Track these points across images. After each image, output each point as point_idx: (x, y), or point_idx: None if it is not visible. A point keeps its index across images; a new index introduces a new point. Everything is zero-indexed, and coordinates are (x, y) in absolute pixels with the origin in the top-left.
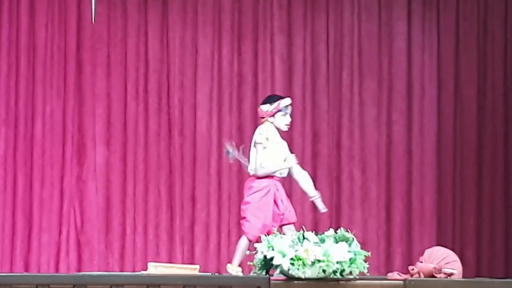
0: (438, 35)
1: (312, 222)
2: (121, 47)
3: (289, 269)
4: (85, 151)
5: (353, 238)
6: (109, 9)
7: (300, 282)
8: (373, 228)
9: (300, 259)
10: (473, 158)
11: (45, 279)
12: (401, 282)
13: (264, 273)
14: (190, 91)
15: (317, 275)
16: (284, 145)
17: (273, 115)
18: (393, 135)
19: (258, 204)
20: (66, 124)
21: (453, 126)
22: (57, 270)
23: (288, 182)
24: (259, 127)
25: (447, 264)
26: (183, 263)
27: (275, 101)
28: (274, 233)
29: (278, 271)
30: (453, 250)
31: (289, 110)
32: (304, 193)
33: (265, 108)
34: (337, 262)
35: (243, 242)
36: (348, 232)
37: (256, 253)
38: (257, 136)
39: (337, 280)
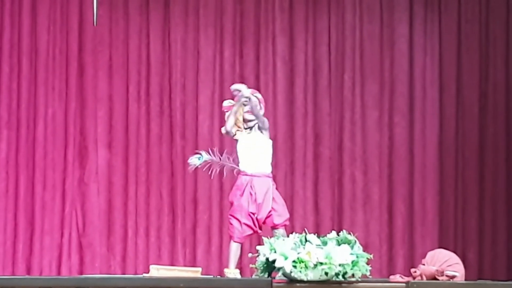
0: (440, 37)
1: (314, 224)
2: (122, 49)
3: (291, 272)
4: (87, 154)
5: (355, 241)
6: (111, 12)
7: (302, 284)
8: (375, 231)
9: (302, 262)
10: (475, 160)
11: (47, 282)
12: (404, 284)
13: (266, 275)
14: (192, 94)
15: (320, 278)
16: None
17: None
18: (395, 137)
19: (236, 205)
20: (68, 127)
21: (455, 128)
22: (59, 272)
23: (290, 183)
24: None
25: (450, 266)
26: (185, 265)
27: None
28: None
29: (280, 273)
30: (455, 252)
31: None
32: (305, 196)
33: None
34: (340, 265)
35: (233, 245)
36: (350, 234)
37: (258, 255)
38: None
39: (340, 282)
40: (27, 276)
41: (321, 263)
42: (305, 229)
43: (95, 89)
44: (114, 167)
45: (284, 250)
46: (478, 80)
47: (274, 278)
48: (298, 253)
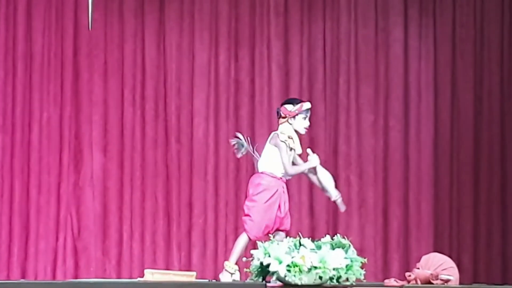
0: (435, 41)
1: (309, 228)
2: (118, 53)
3: (285, 276)
4: (82, 158)
5: (349, 245)
6: (106, 15)
7: None
8: (370, 234)
9: (297, 266)
10: (469, 163)
11: (42, 286)
12: None
13: (260, 279)
14: (187, 98)
15: (314, 282)
16: (299, 147)
17: (294, 117)
18: (390, 141)
19: (265, 205)
20: (63, 131)
21: (450, 132)
22: (54, 277)
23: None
24: (280, 127)
25: (444, 270)
26: (180, 269)
27: (297, 103)
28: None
29: (274, 277)
30: (450, 256)
31: (309, 114)
32: (300, 200)
33: (289, 108)
34: (334, 269)
35: (243, 239)
36: (344, 238)
37: (252, 259)
38: (280, 136)
39: (334, 287)
40: (22, 280)
41: (315, 267)
42: (299, 233)
43: (90, 93)
44: (109, 171)
45: (278, 254)
46: (472, 84)
47: (269, 282)
48: (292, 257)
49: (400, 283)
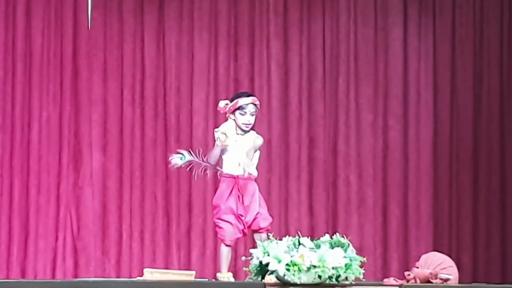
0: (434, 40)
1: (308, 228)
2: (117, 52)
3: (284, 275)
4: (82, 157)
5: (348, 244)
6: (105, 15)
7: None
8: (370, 234)
9: (296, 265)
10: (469, 163)
11: (41, 285)
12: (397, 287)
13: (259, 278)
14: (186, 97)
15: (313, 281)
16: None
17: (232, 113)
18: (389, 141)
19: (224, 208)
20: (62, 130)
21: (449, 131)
22: (53, 276)
23: (284, 186)
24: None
25: (443, 269)
26: (179, 269)
27: (234, 99)
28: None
29: (273, 276)
30: (449, 255)
31: (249, 109)
32: (299, 199)
33: (222, 104)
34: (333, 268)
35: (224, 249)
36: (343, 237)
37: (251, 258)
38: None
39: (333, 285)
40: (21, 280)
41: (315, 266)
42: (299, 232)
43: (89, 92)
44: (109, 170)
45: (278, 253)
46: (472, 84)
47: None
48: (292, 256)
49: (399, 282)
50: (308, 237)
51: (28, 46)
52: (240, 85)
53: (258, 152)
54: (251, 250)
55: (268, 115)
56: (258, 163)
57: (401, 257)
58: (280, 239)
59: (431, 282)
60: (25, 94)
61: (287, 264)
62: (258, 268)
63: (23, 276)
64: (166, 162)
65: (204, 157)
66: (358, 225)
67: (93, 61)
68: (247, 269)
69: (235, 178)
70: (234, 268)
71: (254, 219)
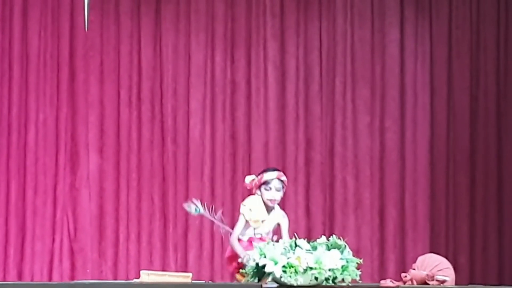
0: (431, 42)
1: (305, 229)
2: (114, 54)
3: (281, 277)
4: (78, 159)
5: (345, 245)
6: (102, 17)
7: None
8: (367, 235)
9: (292, 267)
10: (466, 164)
11: (38, 287)
12: None
13: (256, 280)
14: (183, 99)
15: (309, 283)
16: (255, 221)
17: (258, 188)
18: (386, 142)
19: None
20: (59, 132)
21: (446, 132)
22: (50, 278)
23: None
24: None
25: (440, 271)
26: (176, 271)
27: (259, 174)
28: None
29: (270, 278)
30: (446, 257)
31: (274, 184)
32: (296, 200)
33: (248, 180)
34: (329, 270)
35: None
36: (340, 239)
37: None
38: (241, 207)
39: (330, 287)
40: (18, 282)
41: (311, 268)
42: (295, 234)
43: (86, 94)
44: (106, 172)
45: (274, 255)
46: (469, 85)
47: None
48: (288, 258)
49: (396, 283)
50: (304, 239)
51: (25, 48)
52: (236, 87)
53: (286, 226)
54: (248, 252)
55: (265, 117)
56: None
57: (398, 258)
58: (277, 241)
59: (428, 284)
60: (22, 96)
61: (283, 266)
62: (255, 270)
63: (19, 278)
64: (163, 164)
65: (216, 213)
66: (355, 227)
67: (89, 63)
68: (243, 271)
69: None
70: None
71: None
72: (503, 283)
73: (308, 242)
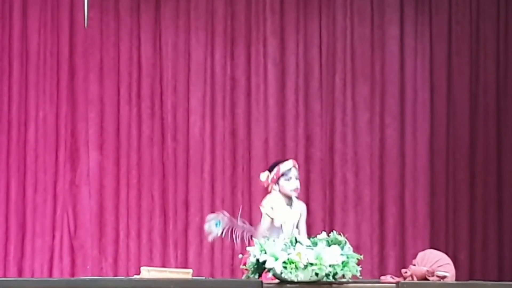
0: (431, 38)
1: (306, 226)
2: (113, 52)
3: (281, 273)
4: (78, 156)
5: (345, 241)
6: (102, 14)
7: (292, 285)
8: (367, 232)
9: (293, 263)
10: (466, 161)
11: (37, 283)
12: (394, 285)
13: (256, 276)
14: (183, 96)
15: (310, 279)
16: (279, 217)
17: (276, 183)
18: (386, 139)
19: None
20: (59, 129)
21: (446, 129)
22: (50, 275)
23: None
24: (266, 197)
25: (440, 267)
26: (176, 267)
27: (274, 168)
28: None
29: (270, 274)
30: (446, 253)
31: (292, 173)
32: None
33: (263, 178)
34: (330, 265)
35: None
36: (340, 235)
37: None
38: (261, 209)
39: (330, 283)
40: (17, 278)
41: (311, 264)
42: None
43: (86, 92)
44: (106, 169)
45: (275, 251)
46: (468, 82)
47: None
48: (289, 254)
49: (396, 279)
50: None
51: (25, 45)
52: (236, 84)
53: (305, 215)
54: (248, 248)
55: (265, 114)
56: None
57: (398, 255)
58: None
59: (428, 280)
60: (22, 93)
61: (284, 262)
62: (255, 266)
63: (20, 275)
64: (163, 161)
65: (235, 219)
66: (355, 223)
67: (89, 60)
68: (244, 267)
69: None
70: (231, 267)
71: None
72: (503, 279)
73: (308, 238)
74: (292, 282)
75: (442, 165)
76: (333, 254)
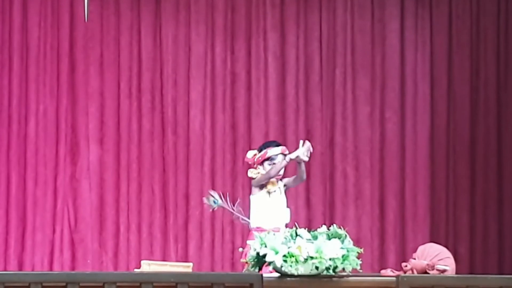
0: (431, 32)
1: (306, 220)
2: (114, 45)
3: (281, 266)
4: (79, 150)
5: (346, 235)
6: (102, 8)
7: (293, 279)
8: (367, 225)
9: (293, 256)
10: (466, 155)
11: (38, 277)
12: (394, 278)
13: (257, 270)
14: (183, 90)
15: (310, 272)
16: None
17: (261, 163)
18: (386, 133)
19: None
20: (59, 123)
21: (446, 123)
22: (51, 268)
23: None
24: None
25: (440, 260)
26: (177, 261)
27: (263, 149)
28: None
29: (270, 267)
30: (446, 246)
31: (278, 159)
32: (297, 191)
33: (250, 155)
34: (330, 259)
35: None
36: (341, 228)
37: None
38: (249, 175)
39: (330, 277)
40: (17, 272)
41: (312, 257)
42: (296, 223)
43: (86, 85)
44: (106, 163)
45: (275, 244)
46: (469, 75)
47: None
48: (289, 248)
49: (397, 273)
50: (305, 229)
51: (25, 39)
52: (237, 78)
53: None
54: (248, 242)
55: (265, 108)
56: None
57: (398, 248)
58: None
59: (428, 273)
60: (22, 88)
61: (284, 255)
62: (255, 260)
63: (20, 269)
64: (163, 155)
65: (234, 205)
66: (355, 217)
67: (89, 54)
68: (244, 260)
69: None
70: (231, 260)
71: None
72: (503, 272)
73: (309, 231)
74: (292, 276)
75: (443, 159)
76: (334, 248)
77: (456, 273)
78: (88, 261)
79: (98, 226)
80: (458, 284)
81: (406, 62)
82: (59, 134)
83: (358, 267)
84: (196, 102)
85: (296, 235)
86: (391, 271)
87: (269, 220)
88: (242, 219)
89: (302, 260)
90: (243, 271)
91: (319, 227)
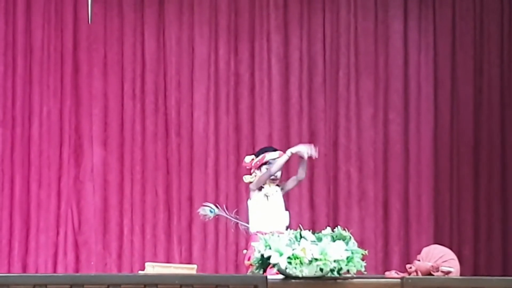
0: (434, 33)
1: (310, 221)
2: (117, 47)
3: (286, 268)
4: (82, 152)
5: (350, 237)
6: (106, 9)
7: (297, 280)
8: (371, 227)
9: (297, 258)
10: (470, 156)
11: (42, 279)
12: (398, 280)
13: (261, 272)
14: (187, 91)
15: (315, 274)
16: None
17: (258, 168)
18: (390, 134)
19: None
20: (63, 125)
21: (450, 124)
22: (55, 271)
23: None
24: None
25: (445, 262)
26: (181, 263)
27: (260, 154)
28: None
29: (275, 269)
30: (450, 248)
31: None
32: (300, 193)
33: (248, 160)
34: (335, 261)
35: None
36: (345, 230)
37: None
38: (246, 181)
39: (335, 278)
40: (22, 274)
41: (316, 259)
42: (300, 225)
43: (90, 87)
44: (110, 165)
45: (279, 246)
46: (472, 76)
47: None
48: (293, 250)
49: (401, 275)
50: (309, 231)
51: (29, 41)
52: (240, 79)
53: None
54: (253, 244)
55: (269, 109)
56: None
57: (402, 250)
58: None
59: (433, 275)
60: (26, 89)
61: (288, 257)
62: (260, 262)
63: (24, 271)
64: (167, 156)
65: (232, 212)
66: (359, 219)
67: (93, 55)
68: (248, 262)
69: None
70: (235, 262)
71: None
72: (508, 274)
73: (313, 233)
74: (296, 278)
75: (446, 160)
76: (338, 250)
77: (460, 274)
78: (92, 263)
79: (102, 228)
80: (462, 286)
81: (410, 63)
82: (63, 136)
83: (363, 269)
84: (200, 104)
85: (301, 237)
86: (396, 272)
87: (268, 224)
88: (241, 224)
89: (307, 262)
90: (247, 273)
91: (324, 229)
